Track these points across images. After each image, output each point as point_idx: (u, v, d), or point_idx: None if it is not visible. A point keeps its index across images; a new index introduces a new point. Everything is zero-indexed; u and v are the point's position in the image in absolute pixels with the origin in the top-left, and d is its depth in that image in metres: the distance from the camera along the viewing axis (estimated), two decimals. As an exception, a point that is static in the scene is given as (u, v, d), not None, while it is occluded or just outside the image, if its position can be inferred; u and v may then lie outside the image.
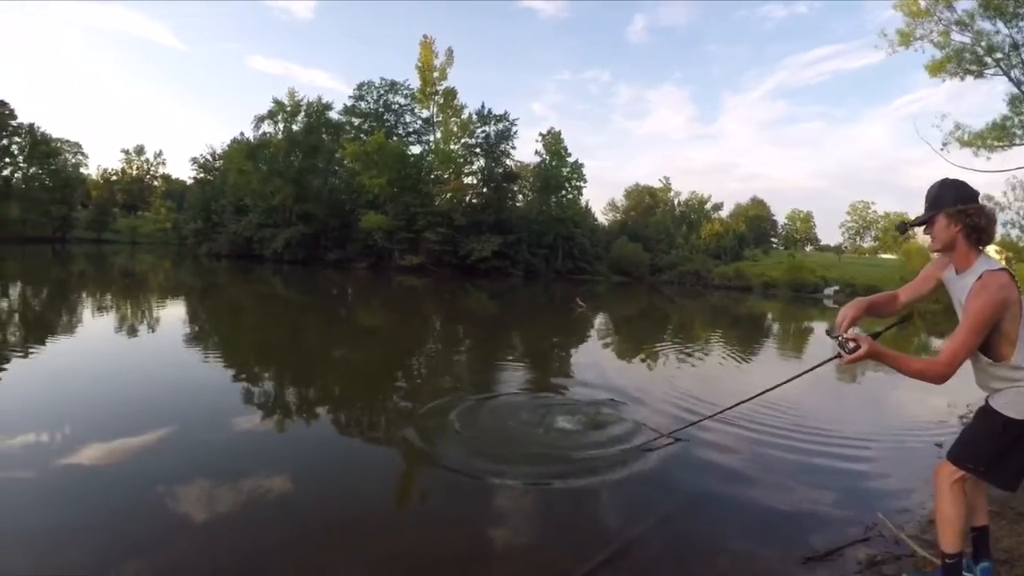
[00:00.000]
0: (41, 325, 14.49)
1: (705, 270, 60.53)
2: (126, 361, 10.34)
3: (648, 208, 72.87)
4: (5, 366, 9.60)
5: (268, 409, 7.42)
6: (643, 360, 12.72)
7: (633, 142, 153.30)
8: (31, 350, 11.26)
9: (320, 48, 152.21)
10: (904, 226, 2.91)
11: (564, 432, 6.38)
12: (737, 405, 5.73)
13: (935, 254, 2.82)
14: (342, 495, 4.87)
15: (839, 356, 2.54)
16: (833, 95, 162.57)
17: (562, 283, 47.89)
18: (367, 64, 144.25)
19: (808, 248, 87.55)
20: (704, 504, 4.77)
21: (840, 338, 2.53)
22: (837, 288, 54.56)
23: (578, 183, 56.42)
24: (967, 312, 2.46)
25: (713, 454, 5.95)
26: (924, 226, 2.68)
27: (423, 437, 6.18)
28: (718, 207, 75.25)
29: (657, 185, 76.19)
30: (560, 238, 53.42)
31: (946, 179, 2.64)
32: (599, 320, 24.56)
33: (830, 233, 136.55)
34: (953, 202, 2.55)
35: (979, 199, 2.58)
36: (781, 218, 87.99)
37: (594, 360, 12.22)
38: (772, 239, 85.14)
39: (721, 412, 6.19)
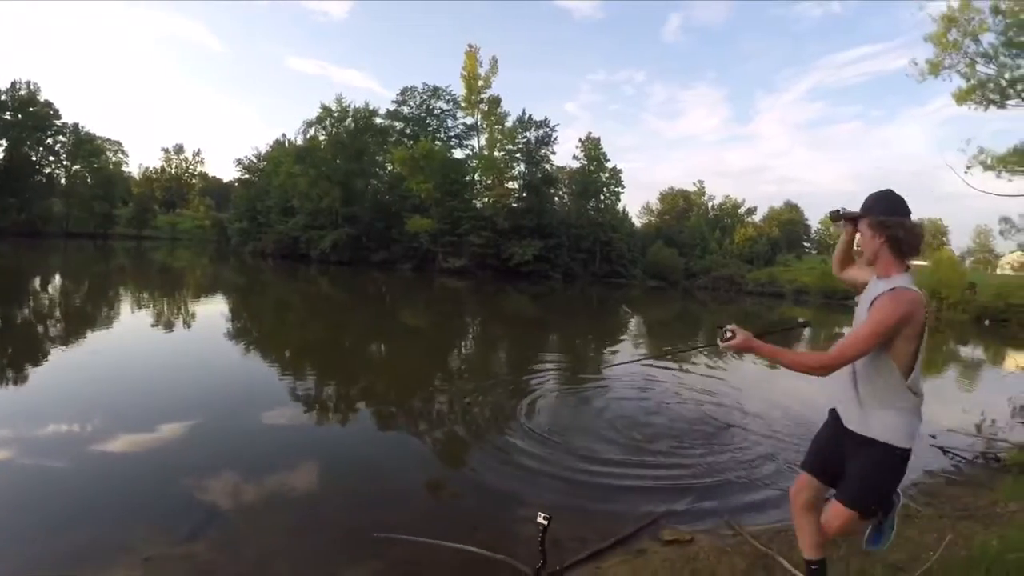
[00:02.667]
0: (82, 318, 15.28)
1: (739, 275, 60.42)
2: (180, 354, 11.10)
3: (682, 212, 72.97)
4: (52, 357, 10.31)
5: (324, 404, 8.18)
6: (675, 362, 13.49)
7: (666, 143, 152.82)
8: (74, 342, 11.96)
9: (356, 48, 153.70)
10: (836, 213, 2.87)
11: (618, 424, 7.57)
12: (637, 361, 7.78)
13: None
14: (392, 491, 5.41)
15: (719, 342, 2.70)
16: (871, 96, 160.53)
17: (599, 287, 48.70)
18: (402, 64, 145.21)
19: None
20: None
21: (723, 328, 2.70)
22: (869, 296, 53.98)
23: (616, 188, 56.99)
24: (871, 317, 2.46)
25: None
26: (850, 220, 2.79)
27: (474, 430, 7.16)
28: (751, 211, 75.23)
29: (691, 188, 76.43)
30: (598, 242, 53.84)
31: (888, 191, 2.63)
32: (640, 323, 25.85)
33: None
34: (879, 212, 2.57)
35: (909, 216, 2.57)
36: (815, 223, 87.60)
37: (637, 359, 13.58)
38: (805, 243, 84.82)
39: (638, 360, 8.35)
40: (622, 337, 19.97)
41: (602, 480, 5.73)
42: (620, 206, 58.49)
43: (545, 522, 3.47)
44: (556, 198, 56.57)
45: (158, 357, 10.71)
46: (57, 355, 10.47)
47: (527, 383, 10.01)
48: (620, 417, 8.03)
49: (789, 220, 79.42)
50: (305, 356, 12.12)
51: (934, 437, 7.86)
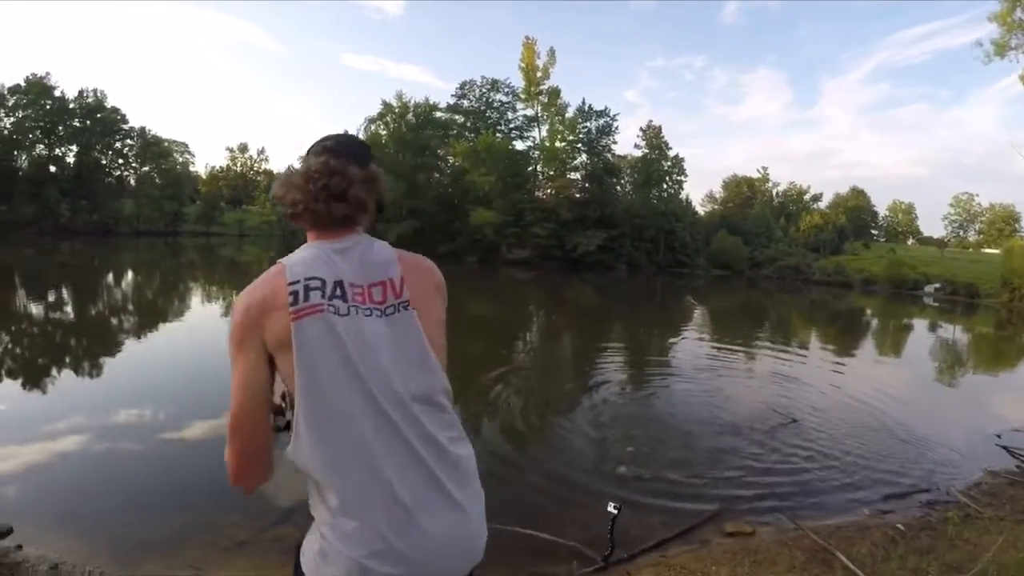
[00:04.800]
0: (157, 311, 15.97)
1: (805, 264, 58.72)
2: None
3: (746, 199, 71.22)
4: (131, 348, 10.81)
5: None
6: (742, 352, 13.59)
7: (727, 129, 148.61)
8: (151, 333, 12.57)
9: (411, 44, 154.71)
10: None
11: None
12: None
13: None
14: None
15: None
16: (937, 75, 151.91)
17: (663, 277, 48.01)
18: (459, 58, 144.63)
19: (910, 241, 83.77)
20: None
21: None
22: (938, 286, 51.88)
23: (679, 176, 55.94)
24: None
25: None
26: None
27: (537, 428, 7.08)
28: (817, 198, 73.03)
29: (754, 175, 74.47)
30: (662, 232, 52.96)
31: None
32: (704, 313, 25.60)
33: (932, 224, 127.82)
34: None
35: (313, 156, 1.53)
36: (882, 209, 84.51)
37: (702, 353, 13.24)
38: (872, 231, 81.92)
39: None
40: (686, 327, 19.63)
41: (667, 472, 5.78)
42: (683, 194, 57.57)
43: (615, 511, 3.49)
44: (618, 188, 55.93)
45: (218, 350, 10.86)
46: (135, 346, 11.01)
47: (592, 373, 10.15)
48: (684, 408, 8.08)
49: (856, 206, 76.61)
50: None
51: (999, 436, 7.61)
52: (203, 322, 14.06)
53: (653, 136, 54.88)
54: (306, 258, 1.40)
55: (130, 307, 16.41)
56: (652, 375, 10.36)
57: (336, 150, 1.50)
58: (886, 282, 54.21)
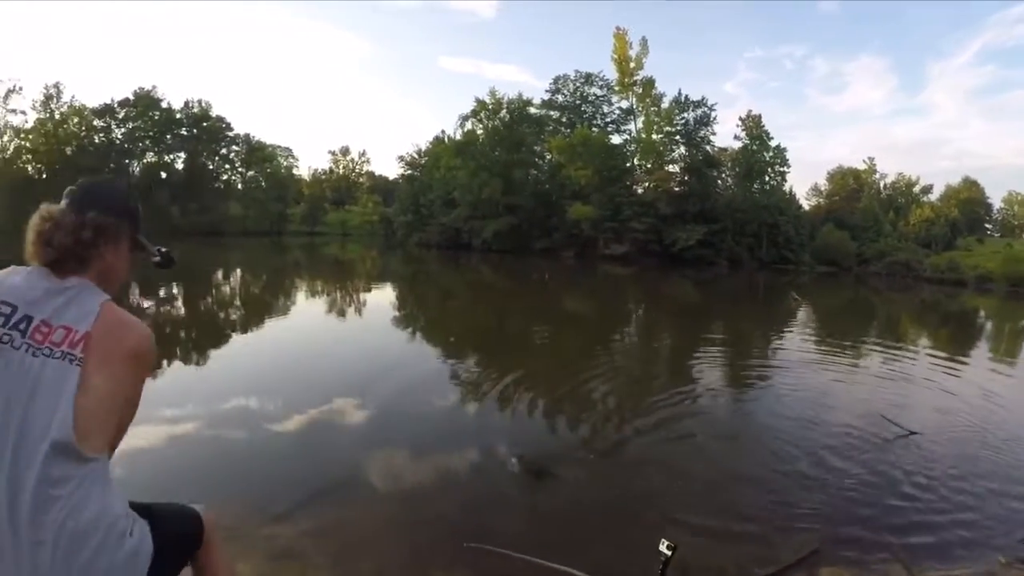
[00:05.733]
0: (264, 306, 16.46)
1: (915, 260, 55.47)
2: (344, 341, 11.62)
3: (852, 192, 67.91)
4: (237, 340, 11.25)
5: (474, 392, 7.86)
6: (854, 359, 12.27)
7: (829, 120, 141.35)
8: (257, 326, 12.92)
9: (505, 44, 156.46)
10: None
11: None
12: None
13: None
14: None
15: None
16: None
17: (766, 273, 46.07)
18: (552, 54, 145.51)
19: (1028, 235, 78.02)
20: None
21: None
22: (1059, 284, 47.71)
23: (781, 168, 53.63)
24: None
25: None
26: None
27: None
28: (927, 190, 68.92)
29: (860, 166, 70.86)
30: (764, 226, 50.97)
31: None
32: (810, 312, 24.00)
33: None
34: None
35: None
36: (997, 201, 78.91)
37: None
38: (987, 225, 76.72)
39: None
40: (790, 326, 18.26)
41: (748, 496, 4.96)
42: (786, 187, 55.18)
43: (668, 552, 2.99)
44: (719, 181, 54.21)
45: (329, 340, 11.49)
46: (241, 338, 11.52)
47: (685, 374, 9.62)
48: (780, 416, 7.20)
49: (968, 199, 71.67)
50: (466, 343, 12.21)
51: None
52: (304, 318, 14.57)
53: (753, 125, 52.86)
54: (14, 282, 1.51)
55: (238, 303, 17.19)
56: (749, 378, 9.54)
57: (72, 196, 1.63)
58: (1003, 280, 50.52)
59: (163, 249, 1.88)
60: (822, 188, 72.44)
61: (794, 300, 27.33)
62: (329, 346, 10.84)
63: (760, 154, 52.63)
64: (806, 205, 65.57)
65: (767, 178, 53.24)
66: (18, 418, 1.36)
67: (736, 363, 10.90)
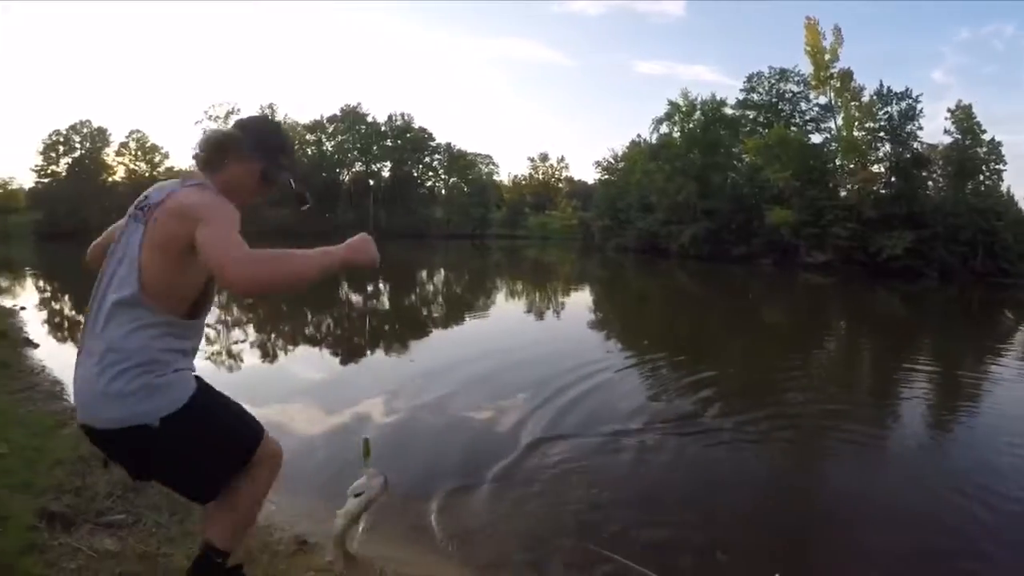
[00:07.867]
0: (467, 304, 17.97)
1: None
2: (541, 341, 12.37)
3: (1082, 190, 60.35)
4: (438, 335, 12.60)
5: (661, 400, 8.13)
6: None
7: None
8: (457, 323, 14.28)
9: (697, 43, 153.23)
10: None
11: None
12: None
13: None
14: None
15: None
16: None
17: (982, 287, 40.92)
18: (745, 51, 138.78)
19: None
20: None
21: None
22: None
23: (997, 166, 49.31)
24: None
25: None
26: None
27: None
28: None
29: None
30: (979, 232, 46.72)
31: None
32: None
33: None
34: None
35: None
36: None
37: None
38: None
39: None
40: (1003, 355, 13.74)
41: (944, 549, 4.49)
42: (1003, 187, 50.59)
43: None
44: (929, 182, 50.68)
45: (528, 338, 12.53)
46: (441, 334, 13.03)
47: (879, 406, 8.88)
48: (976, 470, 5.99)
49: None
50: (662, 348, 11.79)
51: None
52: (505, 317, 15.94)
53: (963, 118, 48.45)
54: (170, 182, 1.99)
55: (442, 300, 19.34)
56: (953, 416, 8.27)
57: (234, 123, 2.13)
58: None
59: (296, 185, 2.11)
60: (1045, 187, 64.55)
61: (1008, 319, 24.81)
62: (526, 344, 11.60)
63: (973, 150, 48.64)
64: (1027, 208, 59.29)
65: (981, 177, 49.31)
66: (116, 258, 1.86)
67: (943, 398, 9.44)
